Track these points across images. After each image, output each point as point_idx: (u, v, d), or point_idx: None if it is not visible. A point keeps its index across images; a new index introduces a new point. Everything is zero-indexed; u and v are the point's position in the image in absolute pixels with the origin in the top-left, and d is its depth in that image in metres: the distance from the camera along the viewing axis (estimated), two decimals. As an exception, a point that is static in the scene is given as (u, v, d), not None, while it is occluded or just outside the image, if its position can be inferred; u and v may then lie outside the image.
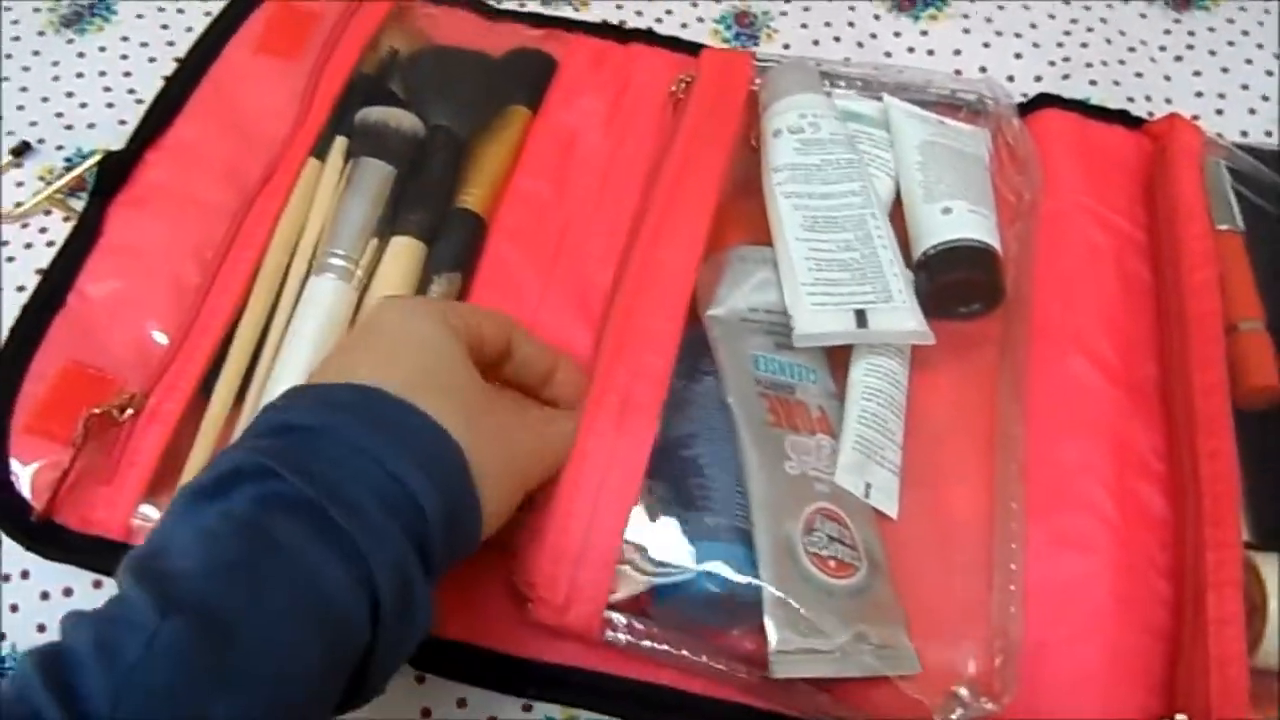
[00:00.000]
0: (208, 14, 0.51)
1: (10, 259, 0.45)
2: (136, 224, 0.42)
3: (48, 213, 0.46)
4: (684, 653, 0.35)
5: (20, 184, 0.47)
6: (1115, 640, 0.35)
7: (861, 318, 0.38)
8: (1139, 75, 0.51)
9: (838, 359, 0.40)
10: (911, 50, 0.52)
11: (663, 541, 0.35)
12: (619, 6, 0.53)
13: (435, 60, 0.47)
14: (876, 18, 0.53)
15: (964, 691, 0.34)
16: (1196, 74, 0.51)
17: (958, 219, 0.41)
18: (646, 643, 0.35)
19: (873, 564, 0.36)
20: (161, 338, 0.40)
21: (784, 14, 0.53)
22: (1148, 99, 0.50)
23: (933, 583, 0.37)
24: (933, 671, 0.35)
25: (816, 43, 0.52)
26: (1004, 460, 0.38)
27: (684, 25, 0.53)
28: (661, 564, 0.35)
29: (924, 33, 0.53)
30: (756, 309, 0.40)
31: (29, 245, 0.45)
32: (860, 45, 0.52)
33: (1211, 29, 0.52)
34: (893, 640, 0.35)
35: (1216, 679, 0.32)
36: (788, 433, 0.37)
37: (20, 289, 0.44)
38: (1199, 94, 0.51)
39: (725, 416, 0.37)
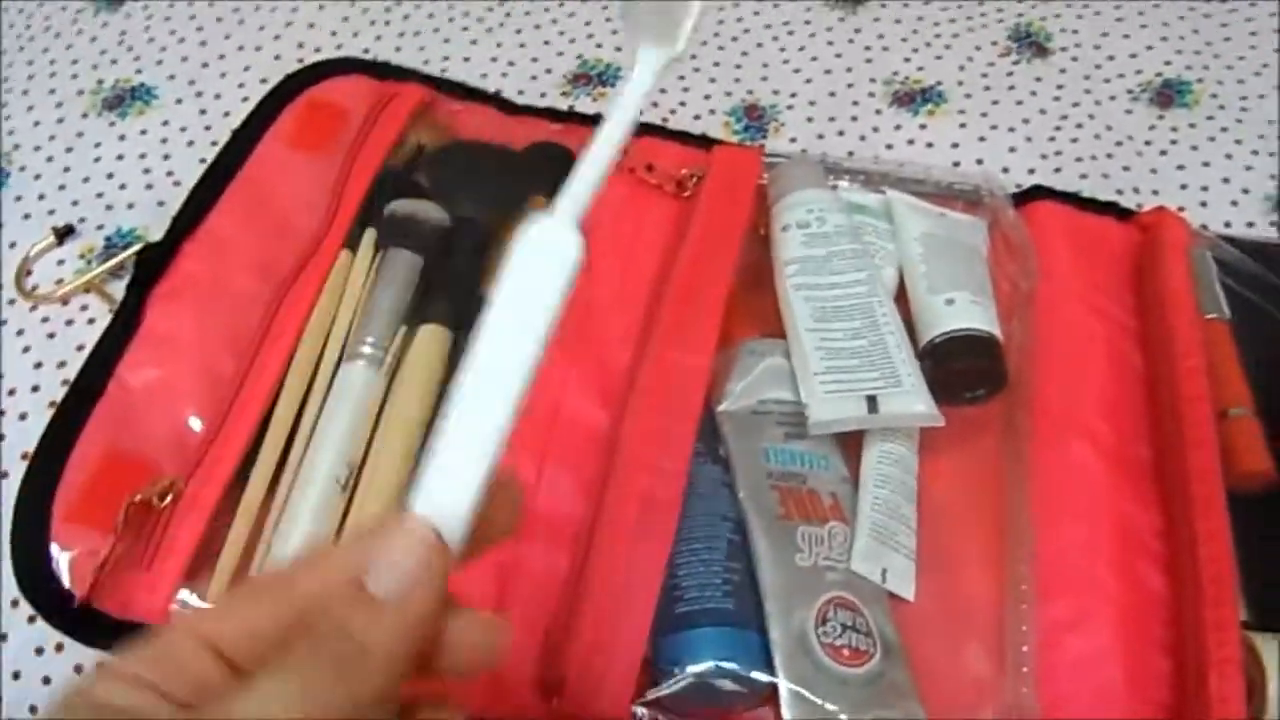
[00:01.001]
0: (245, 99, 0.54)
1: (51, 335, 0.46)
2: (174, 314, 0.44)
3: (87, 290, 0.48)
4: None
5: (61, 262, 0.49)
6: (1125, 717, 0.37)
7: (873, 403, 0.40)
8: (1126, 169, 0.54)
9: (849, 445, 0.41)
10: (911, 143, 0.55)
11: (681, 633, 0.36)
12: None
13: (459, 154, 0.49)
14: (878, 112, 0.56)
15: (979, 771, 0.36)
16: (1180, 168, 0.54)
17: (961, 309, 0.43)
18: (672, 734, 0.36)
19: (887, 649, 0.37)
20: (198, 425, 0.41)
21: (790, 108, 0.56)
22: (1135, 191, 0.53)
23: (947, 664, 0.38)
24: (948, 753, 0.36)
25: (821, 136, 0.55)
26: (1012, 542, 0.40)
27: (696, 117, 0.56)
28: (678, 658, 0.35)
29: (923, 126, 0.55)
30: (766, 401, 0.41)
31: (70, 322, 0.47)
32: (863, 138, 0.55)
33: (1193, 125, 0.55)
34: (908, 721, 0.36)
35: (1220, 757, 0.34)
36: (799, 524, 0.38)
37: (61, 364, 0.45)
38: (1184, 186, 0.53)
39: (734, 503, 0.39)
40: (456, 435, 0.24)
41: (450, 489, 0.23)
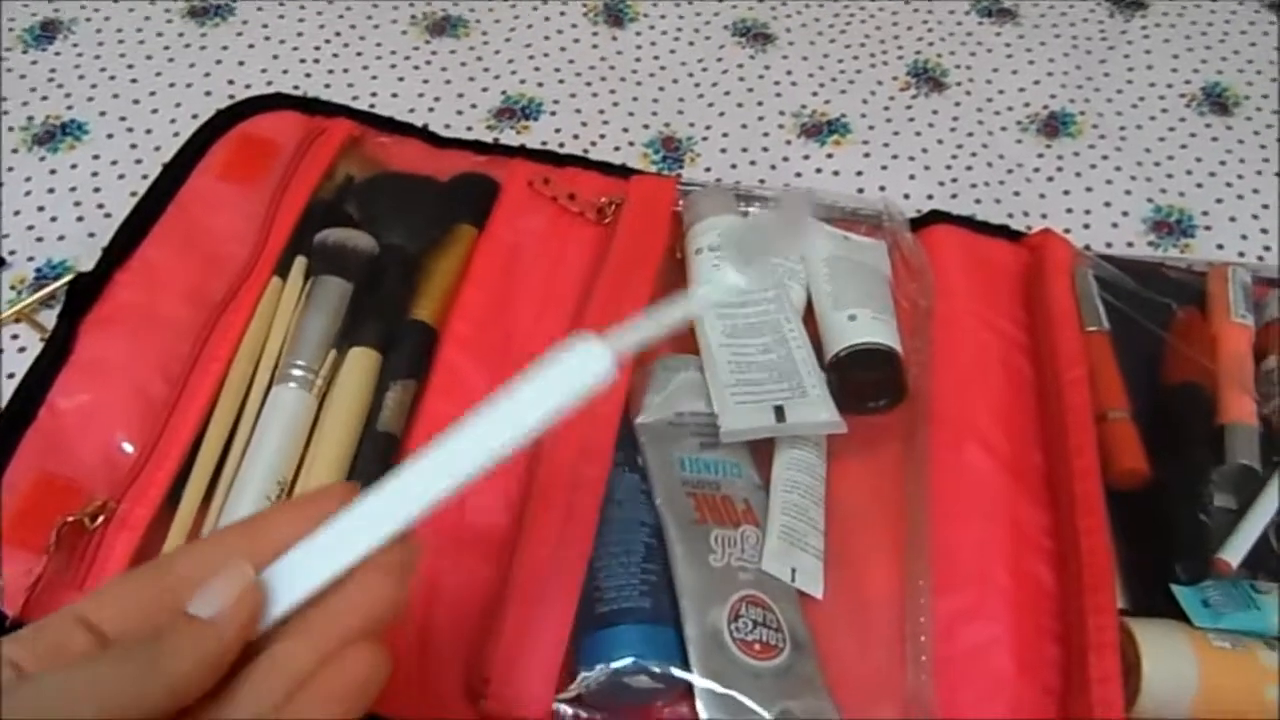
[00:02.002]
0: (176, 134, 0.55)
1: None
2: (105, 341, 0.44)
3: (18, 320, 0.48)
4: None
5: (-8, 293, 0.50)
6: (1016, 701, 0.39)
7: (780, 413, 0.43)
8: (1017, 194, 0.57)
9: (761, 453, 0.44)
10: (819, 171, 0.58)
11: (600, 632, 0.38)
12: (557, 130, 0.59)
13: (388, 185, 0.51)
14: (787, 143, 0.59)
15: (883, 755, 0.38)
16: (1066, 193, 0.58)
17: (863, 325, 0.46)
18: (593, 731, 0.37)
19: (796, 643, 0.39)
20: (130, 448, 0.42)
21: (705, 139, 0.59)
22: (1025, 215, 0.57)
23: (853, 656, 0.40)
24: (855, 738, 0.38)
25: (734, 165, 0.58)
26: (912, 541, 0.42)
27: (616, 148, 0.58)
28: (598, 656, 0.37)
29: (829, 156, 0.59)
30: (682, 413, 0.43)
31: (-1, 351, 0.48)
32: (773, 167, 0.58)
33: (1077, 153, 0.59)
34: (817, 713, 0.38)
35: (1099, 732, 0.36)
36: (713, 527, 0.40)
37: (-9, 389, 0.46)
38: (1069, 210, 0.57)
39: (651, 510, 0.41)
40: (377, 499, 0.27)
41: (315, 561, 0.26)
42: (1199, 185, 0.58)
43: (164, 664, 0.24)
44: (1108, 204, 0.57)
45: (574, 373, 0.27)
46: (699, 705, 0.37)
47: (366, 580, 0.26)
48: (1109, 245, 0.55)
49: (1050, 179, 0.58)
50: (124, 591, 0.26)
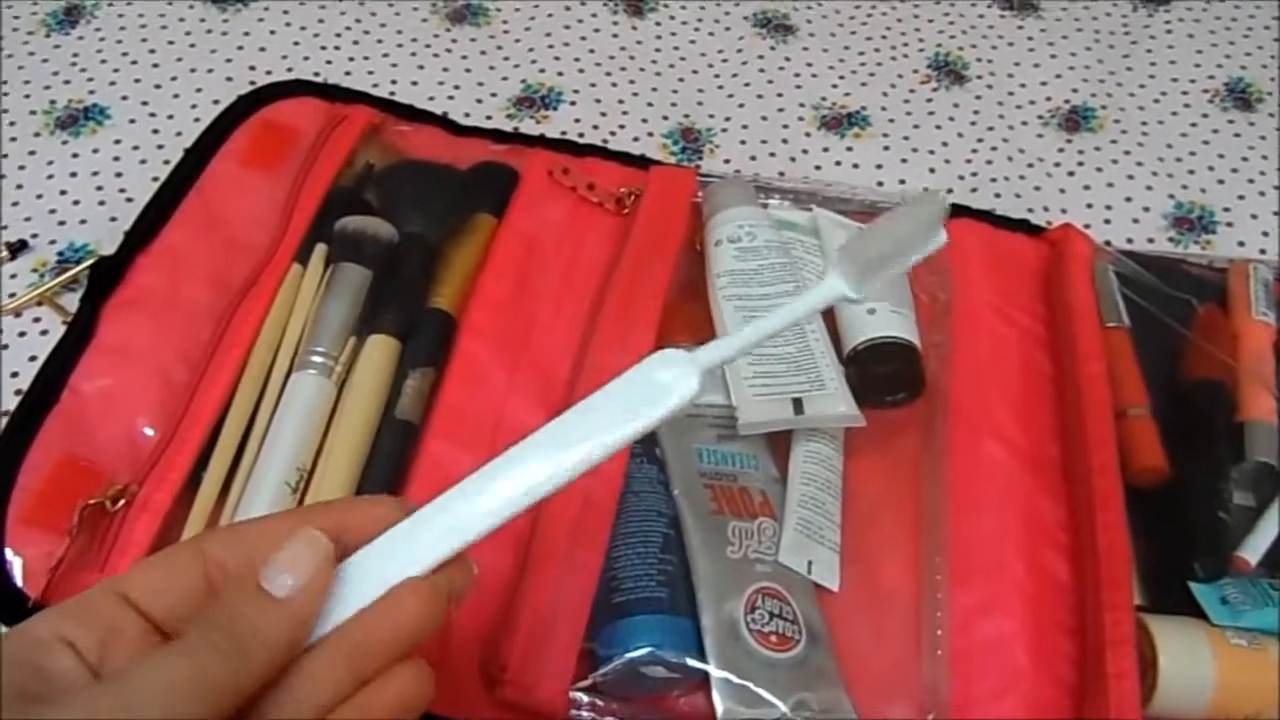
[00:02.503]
0: (197, 120, 0.55)
1: (4, 346, 0.47)
2: (127, 325, 0.45)
3: (40, 303, 0.49)
4: (643, 728, 0.38)
5: (14, 276, 0.50)
6: (1031, 695, 0.39)
7: (798, 405, 0.43)
8: (1037, 188, 0.57)
9: (778, 445, 0.44)
10: (838, 164, 0.58)
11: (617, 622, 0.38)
12: (576, 120, 0.59)
13: (407, 173, 0.51)
14: (807, 135, 0.59)
15: (897, 748, 0.38)
16: (1086, 188, 0.57)
17: (882, 318, 0.46)
18: (609, 719, 0.37)
19: (812, 635, 0.39)
20: (151, 432, 0.42)
21: (725, 131, 0.59)
22: (1045, 209, 0.56)
23: (869, 648, 0.40)
24: (870, 730, 0.38)
25: (754, 158, 0.58)
26: (928, 535, 0.43)
27: (636, 139, 0.58)
28: (614, 645, 0.37)
29: (849, 149, 0.59)
30: (700, 405, 0.43)
31: (23, 334, 0.48)
32: (793, 160, 0.58)
33: (1098, 148, 0.59)
34: (833, 704, 0.38)
35: (1116, 728, 0.36)
36: (730, 519, 0.40)
37: (14, 375, 0.46)
38: (1089, 205, 0.57)
39: (669, 501, 0.41)
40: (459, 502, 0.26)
41: (413, 546, 0.26)
42: (1220, 181, 0.58)
43: (255, 653, 0.23)
44: (1129, 199, 0.57)
45: (659, 392, 0.26)
46: (715, 696, 0.37)
47: (413, 598, 0.25)
48: (1130, 241, 0.55)
49: (1071, 174, 0.58)
50: (161, 571, 0.26)
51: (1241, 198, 0.57)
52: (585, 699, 0.37)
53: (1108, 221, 0.56)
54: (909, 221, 0.30)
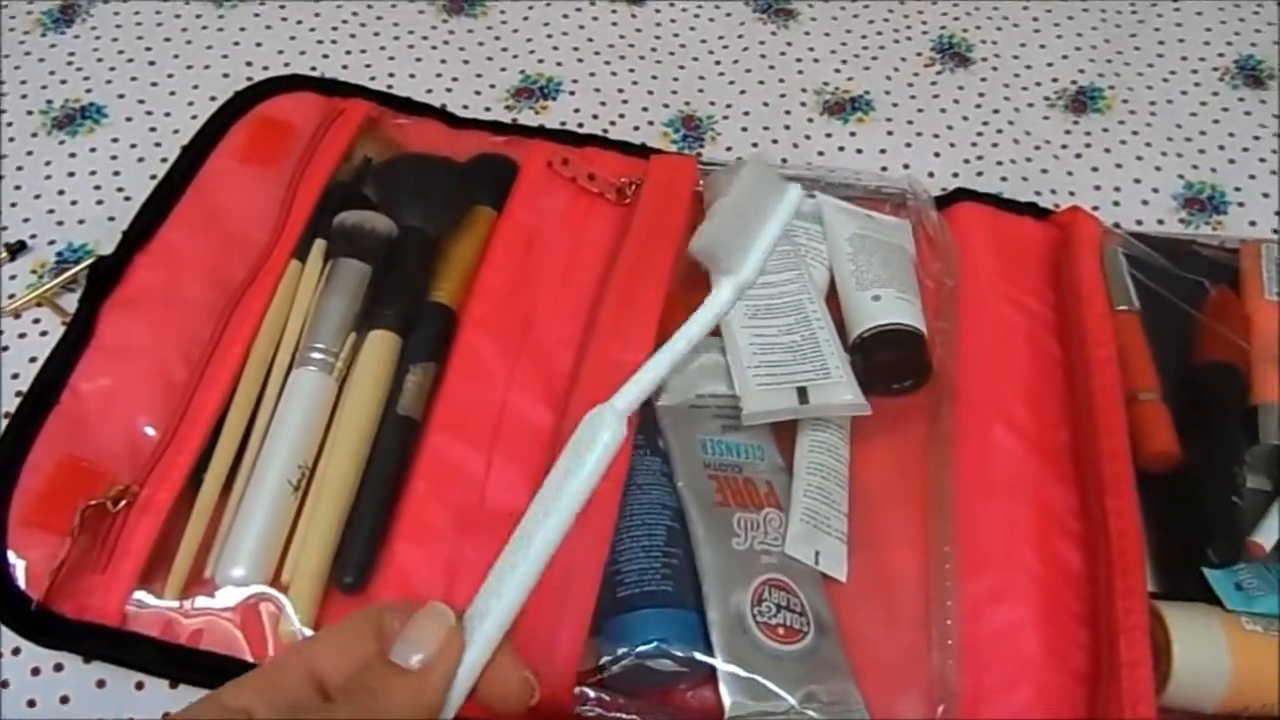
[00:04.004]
0: (194, 117, 0.55)
1: (4, 348, 0.47)
2: (127, 324, 0.45)
3: (39, 304, 0.49)
4: (650, 720, 0.37)
5: (14, 277, 0.50)
6: (1043, 684, 0.39)
7: (803, 394, 0.42)
8: (1044, 171, 0.56)
9: (783, 435, 0.43)
10: (841, 150, 0.57)
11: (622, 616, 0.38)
12: (576, 110, 0.58)
13: (406, 166, 0.50)
14: (809, 121, 0.58)
15: (908, 739, 0.37)
16: (1094, 169, 0.57)
17: (887, 305, 0.46)
18: (616, 714, 0.37)
19: (820, 626, 0.39)
20: (151, 431, 0.42)
21: (726, 118, 0.58)
22: (1053, 192, 0.56)
23: (878, 639, 0.40)
24: (880, 722, 0.38)
25: (756, 144, 0.57)
26: (937, 523, 0.42)
27: (636, 128, 0.58)
28: (620, 640, 0.37)
29: (852, 134, 0.58)
30: (703, 395, 0.43)
31: (23, 335, 0.48)
32: (795, 146, 0.57)
33: (1106, 129, 0.58)
34: (842, 696, 0.38)
35: (1130, 716, 0.36)
36: (736, 510, 0.40)
37: (15, 376, 0.46)
38: (1097, 187, 0.56)
39: (673, 493, 0.40)
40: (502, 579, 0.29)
41: (488, 616, 0.28)
42: (1231, 160, 0.57)
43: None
44: (1138, 180, 0.56)
45: (605, 447, 0.29)
46: (722, 689, 0.37)
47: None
48: (1139, 223, 0.54)
49: (1078, 155, 0.57)
50: (342, 642, 0.27)
51: (1253, 177, 0.56)
52: (592, 694, 0.37)
53: (1116, 204, 0.55)
54: (744, 193, 0.31)
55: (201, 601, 0.39)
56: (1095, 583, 0.41)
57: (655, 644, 0.37)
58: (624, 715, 0.37)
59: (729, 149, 0.57)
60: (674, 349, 0.31)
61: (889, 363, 0.45)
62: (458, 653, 0.27)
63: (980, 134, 0.58)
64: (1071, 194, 0.55)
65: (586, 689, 0.37)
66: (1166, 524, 0.42)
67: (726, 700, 0.36)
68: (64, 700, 0.39)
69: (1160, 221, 0.55)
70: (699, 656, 0.37)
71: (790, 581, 0.39)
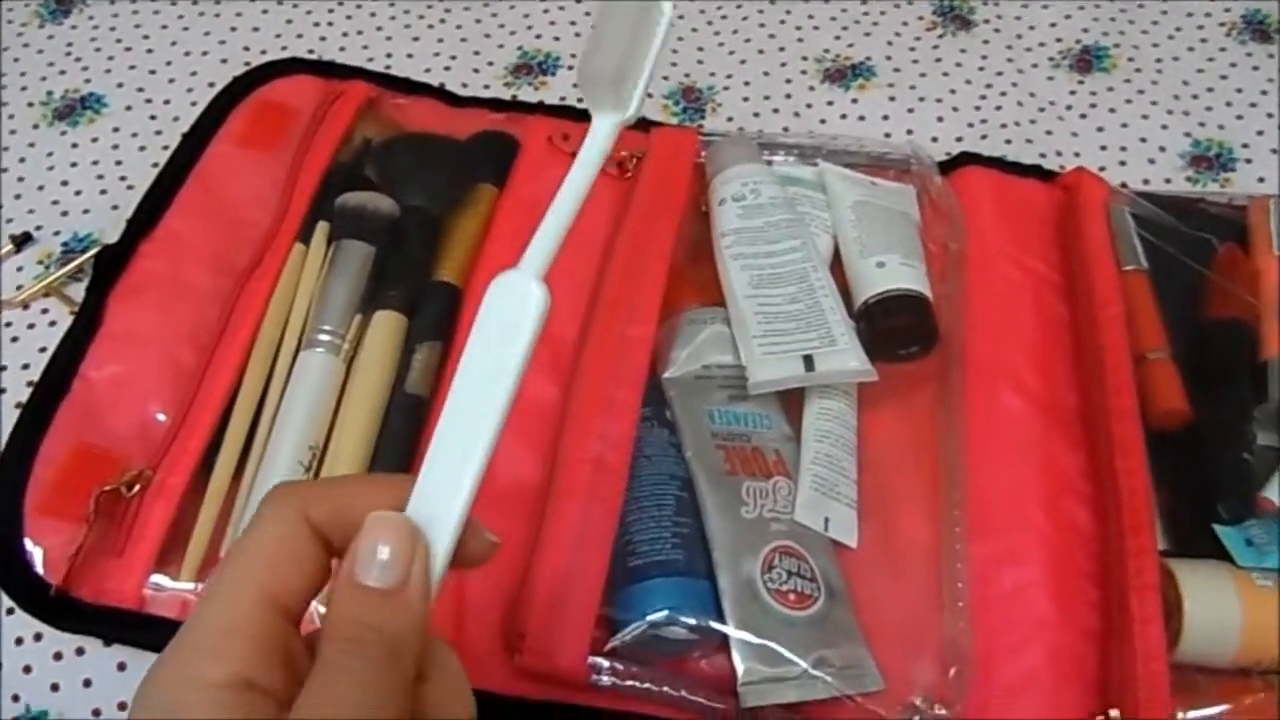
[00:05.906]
0: (194, 104, 0.55)
1: (14, 339, 0.48)
2: (134, 312, 0.45)
3: (47, 294, 0.49)
4: (665, 689, 0.37)
5: (20, 269, 0.50)
6: (1055, 644, 0.39)
7: (809, 362, 0.42)
8: (1049, 133, 0.56)
9: (791, 404, 0.44)
10: (844, 117, 0.57)
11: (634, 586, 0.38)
12: (575, 85, 0.58)
13: (407, 146, 0.50)
14: (810, 89, 0.58)
15: (920, 702, 0.38)
16: (1100, 130, 0.56)
17: (892, 271, 0.45)
18: (630, 683, 0.37)
19: (831, 592, 0.39)
20: (162, 417, 0.42)
21: (726, 89, 0.58)
22: (1058, 154, 0.55)
23: (888, 603, 0.40)
24: (892, 686, 0.38)
25: (757, 114, 0.57)
26: (946, 487, 0.42)
27: (635, 102, 0.57)
28: (632, 609, 0.37)
29: (854, 101, 0.57)
30: (710, 366, 0.43)
31: (31, 326, 0.48)
32: (797, 114, 0.57)
33: (1111, 89, 0.58)
34: (854, 660, 0.38)
35: (1142, 673, 0.36)
36: (744, 479, 0.40)
37: (25, 366, 0.46)
38: (1103, 148, 0.55)
39: (682, 463, 0.41)
40: (438, 466, 0.26)
41: (438, 502, 0.25)
42: (1239, 117, 0.56)
43: (405, 660, 0.23)
44: (1144, 140, 0.56)
45: (518, 315, 0.26)
46: (735, 656, 0.37)
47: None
48: (1146, 182, 0.54)
49: (1084, 116, 0.57)
50: (297, 568, 0.25)
51: (1261, 133, 0.56)
52: (605, 664, 0.37)
53: (1123, 164, 0.55)
54: (617, 15, 0.29)
55: (217, 583, 0.39)
56: (1106, 542, 0.41)
57: (667, 612, 0.37)
58: (637, 684, 0.37)
59: (730, 119, 0.57)
60: (572, 187, 0.29)
61: (895, 329, 0.45)
62: (426, 559, 0.24)
63: (984, 97, 0.57)
64: (1077, 155, 0.55)
65: (600, 659, 0.37)
66: (1177, 482, 0.42)
67: (739, 667, 0.37)
68: (87, 684, 0.40)
69: (1167, 180, 0.54)
70: (711, 624, 0.37)
71: (800, 548, 0.39)
